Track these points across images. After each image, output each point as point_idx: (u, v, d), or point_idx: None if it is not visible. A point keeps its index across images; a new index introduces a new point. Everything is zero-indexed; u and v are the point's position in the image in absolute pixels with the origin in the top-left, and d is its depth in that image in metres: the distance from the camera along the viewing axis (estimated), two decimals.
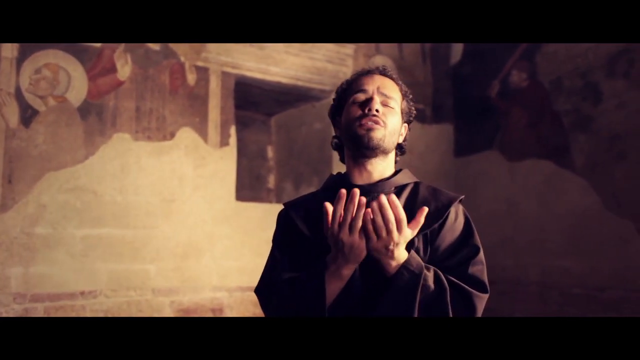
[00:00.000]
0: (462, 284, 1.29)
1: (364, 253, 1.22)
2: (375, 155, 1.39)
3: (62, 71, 3.74)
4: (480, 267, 1.34)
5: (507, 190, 4.98)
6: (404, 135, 1.48)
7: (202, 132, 4.22)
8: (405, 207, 1.36)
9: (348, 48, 4.96)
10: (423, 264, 1.25)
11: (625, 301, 4.05)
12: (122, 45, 3.94)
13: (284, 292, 1.32)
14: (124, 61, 3.95)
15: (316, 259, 1.29)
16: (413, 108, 1.49)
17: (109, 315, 3.76)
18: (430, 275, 1.25)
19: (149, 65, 4.05)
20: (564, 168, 4.55)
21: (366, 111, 1.36)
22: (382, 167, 1.41)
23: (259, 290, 1.44)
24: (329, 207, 1.21)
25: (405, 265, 1.23)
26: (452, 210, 1.37)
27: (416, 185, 1.43)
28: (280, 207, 1.52)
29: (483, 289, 1.32)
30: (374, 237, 1.20)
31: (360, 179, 1.41)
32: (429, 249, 1.34)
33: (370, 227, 1.19)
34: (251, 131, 5.82)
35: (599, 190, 4.29)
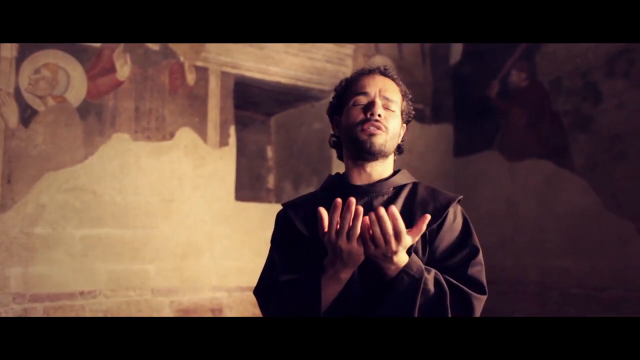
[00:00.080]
0: (462, 286, 1.28)
1: (362, 257, 1.21)
2: (376, 159, 1.39)
3: (62, 71, 3.74)
4: (479, 268, 1.34)
5: (507, 190, 4.98)
6: (402, 135, 1.48)
7: (202, 132, 4.22)
8: (403, 208, 1.36)
9: (347, 48, 4.96)
10: (423, 267, 1.24)
11: (625, 301, 4.05)
12: (122, 45, 3.94)
13: (281, 295, 1.31)
14: (123, 61, 3.95)
15: (315, 259, 1.29)
16: (412, 108, 1.49)
17: (109, 315, 3.75)
18: (430, 278, 1.24)
19: (148, 65, 4.04)
20: (564, 168, 4.55)
21: (368, 115, 1.35)
22: (381, 168, 1.41)
23: (258, 291, 1.44)
24: (323, 212, 1.18)
25: (405, 270, 1.21)
26: (451, 210, 1.37)
27: (414, 185, 1.43)
28: (279, 207, 1.51)
29: (482, 291, 1.32)
30: (371, 246, 1.18)
31: (359, 180, 1.41)
32: (427, 249, 1.33)
33: (368, 235, 1.17)
34: (251, 131, 5.82)
35: (598, 190, 4.29)
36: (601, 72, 4.34)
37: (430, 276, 1.24)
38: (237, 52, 4.40)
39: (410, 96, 1.48)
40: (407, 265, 1.22)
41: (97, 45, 3.86)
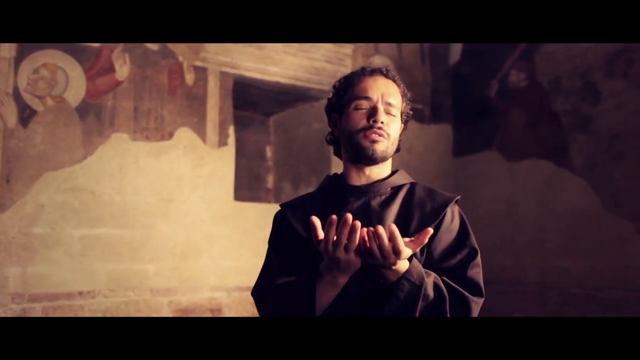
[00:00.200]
0: (461, 290, 1.28)
1: (360, 264, 1.20)
2: (376, 163, 1.38)
3: (60, 71, 3.74)
4: (477, 270, 1.34)
5: (506, 190, 4.98)
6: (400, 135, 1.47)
7: (201, 132, 4.22)
8: (401, 208, 1.36)
9: (347, 48, 4.96)
10: (423, 272, 1.23)
11: (625, 301, 4.05)
12: (121, 45, 3.94)
13: (277, 298, 1.31)
14: (122, 61, 3.94)
15: (312, 259, 1.28)
16: (410, 107, 1.48)
17: (107, 315, 3.75)
18: (429, 283, 1.23)
19: (147, 65, 4.04)
20: (563, 168, 4.55)
21: (371, 122, 1.34)
22: (380, 169, 1.41)
23: (255, 292, 1.43)
24: (316, 220, 1.16)
25: (406, 276, 1.20)
26: (449, 210, 1.37)
27: (412, 185, 1.43)
28: (278, 207, 1.51)
29: (479, 293, 1.31)
30: (369, 258, 1.17)
31: (357, 180, 1.41)
32: (425, 250, 1.33)
33: (366, 248, 1.15)
34: (250, 131, 5.82)
35: (598, 190, 4.29)
36: (600, 72, 4.34)
37: (429, 280, 1.24)
38: (236, 52, 4.40)
39: (409, 96, 1.48)
40: (408, 272, 1.21)
41: (96, 45, 3.86)
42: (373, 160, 1.36)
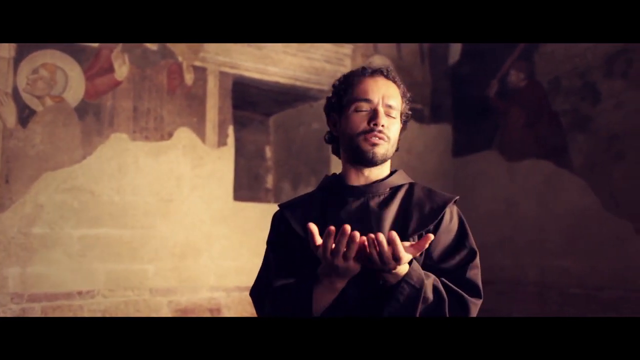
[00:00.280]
0: (460, 292, 1.28)
1: (359, 269, 1.19)
2: (375, 165, 1.38)
3: (60, 71, 3.73)
4: (476, 271, 1.34)
5: (506, 190, 4.98)
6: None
7: (200, 132, 4.21)
8: (399, 208, 1.36)
9: (346, 48, 4.96)
10: (423, 274, 1.23)
11: (625, 301, 4.05)
12: (120, 45, 3.93)
13: (275, 301, 1.31)
14: (121, 61, 3.94)
15: (311, 260, 1.27)
16: (409, 108, 1.48)
17: (107, 315, 3.75)
18: (429, 284, 1.23)
19: (146, 65, 4.04)
20: (563, 168, 4.55)
21: (372, 125, 1.33)
22: (379, 170, 1.41)
23: (253, 293, 1.43)
24: (313, 227, 1.16)
25: (406, 279, 1.20)
26: (447, 211, 1.37)
27: (411, 186, 1.43)
28: (277, 207, 1.51)
29: (478, 294, 1.32)
30: (369, 263, 1.16)
31: (356, 181, 1.40)
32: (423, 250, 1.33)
33: (366, 254, 1.15)
34: (249, 131, 5.81)
35: (597, 190, 4.29)
36: (600, 72, 4.34)
37: (429, 282, 1.23)
38: (236, 52, 4.40)
39: (409, 96, 1.47)
40: (408, 275, 1.21)
41: (95, 45, 3.85)
42: (373, 163, 1.36)
